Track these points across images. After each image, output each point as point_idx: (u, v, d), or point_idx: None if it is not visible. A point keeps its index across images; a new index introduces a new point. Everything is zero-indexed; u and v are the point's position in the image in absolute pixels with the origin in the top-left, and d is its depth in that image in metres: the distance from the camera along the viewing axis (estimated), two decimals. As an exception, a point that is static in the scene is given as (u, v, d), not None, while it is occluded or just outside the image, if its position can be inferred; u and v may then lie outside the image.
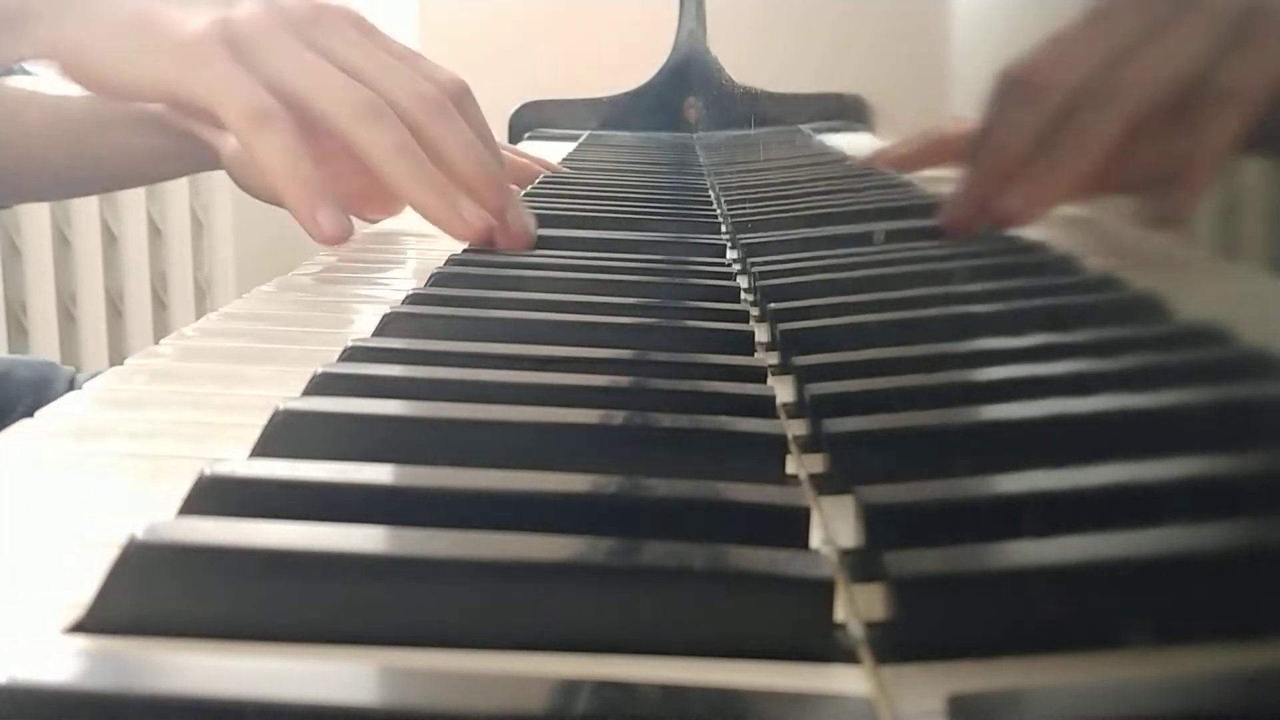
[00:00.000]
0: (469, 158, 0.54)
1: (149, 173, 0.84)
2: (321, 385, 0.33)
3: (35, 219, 1.61)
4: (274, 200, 0.72)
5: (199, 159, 0.74)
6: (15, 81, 0.75)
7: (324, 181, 0.52)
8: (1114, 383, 0.32)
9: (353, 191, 0.60)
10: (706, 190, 0.81)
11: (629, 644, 0.21)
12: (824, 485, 0.29)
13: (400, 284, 0.52)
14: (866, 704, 0.19)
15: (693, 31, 1.12)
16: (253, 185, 0.70)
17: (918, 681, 0.21)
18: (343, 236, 0.53)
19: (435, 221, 0.53)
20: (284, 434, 0.29)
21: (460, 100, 0.55)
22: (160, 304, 1.76)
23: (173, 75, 0.53)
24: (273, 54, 0.52)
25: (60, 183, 0.87)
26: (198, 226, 1.77)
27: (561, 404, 0.31)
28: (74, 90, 0.63)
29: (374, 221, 0.69)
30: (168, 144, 0.74)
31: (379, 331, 0.40)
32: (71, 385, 0.86)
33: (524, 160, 0.86)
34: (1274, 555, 0.22)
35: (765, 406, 0.32)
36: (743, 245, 0.58)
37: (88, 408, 0.35)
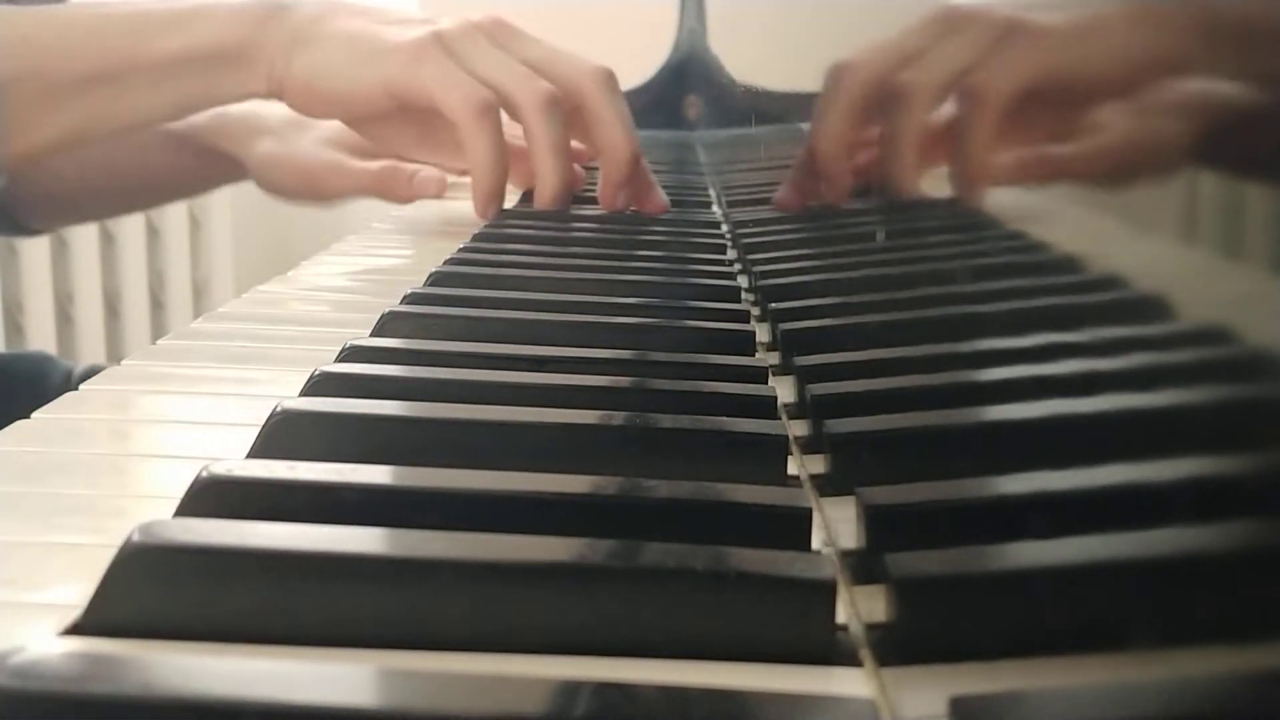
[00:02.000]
0: (619, 142, 0.64)
1: (177, 190, 0.88)
2: (320, 385, 0.33)
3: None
4: (301, 200, 0.75)
5: (222, 173, 0.79)
6: None
7: (504, 184, 0.63)
8: (1116, 383, 0.32)
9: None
10: (707, 189, 0.81)
11: (629, 646, 0.21)
12: (825, 486, 0.29)
13: (400, 284, 0.52)
14: (868, 706, 0.19)
15: (693, 30, 1.12)
16: (279, 187, 0.75)
17: (919, 683, 0.21)
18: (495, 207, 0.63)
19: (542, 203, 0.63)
20: (282, 434, 0.29)
21: (610, 85, 0.64)
22: (158, 304, 1.76)
23: (398, 75, 0.61)
24: (477, 55, 0.61)
25: (95, 205, 0.90)
26: (195, 226, 1.77)
27: (561, 404, 0.31)
28: None
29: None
30: (191, 161, 0.79)
31: (377, 331, 0.40)
32: (68, 380, 0.86)
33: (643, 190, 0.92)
34: (1275, 556, 0.22)
35: (766, 407, 0.32)
36: (743, 245, 0.58)
37: (83, 408, 0.35)
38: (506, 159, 0.62)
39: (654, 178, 0.68)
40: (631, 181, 0.65)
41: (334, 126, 0.76)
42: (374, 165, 0.75)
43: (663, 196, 0.67)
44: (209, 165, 0.80)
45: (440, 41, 0.61)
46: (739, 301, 0.46)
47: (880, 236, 0.55)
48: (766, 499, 0.26)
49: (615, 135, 0.63)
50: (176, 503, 0.25)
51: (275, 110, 0.75)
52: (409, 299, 0.44)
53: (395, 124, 0.65)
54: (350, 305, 0.50)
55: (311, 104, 0.64)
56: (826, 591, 0.22)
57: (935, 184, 0.58)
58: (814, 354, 0.37)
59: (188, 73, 0.63)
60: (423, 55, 0.60)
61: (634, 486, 0.26)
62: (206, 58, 0.62)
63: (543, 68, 0.63)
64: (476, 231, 0.60)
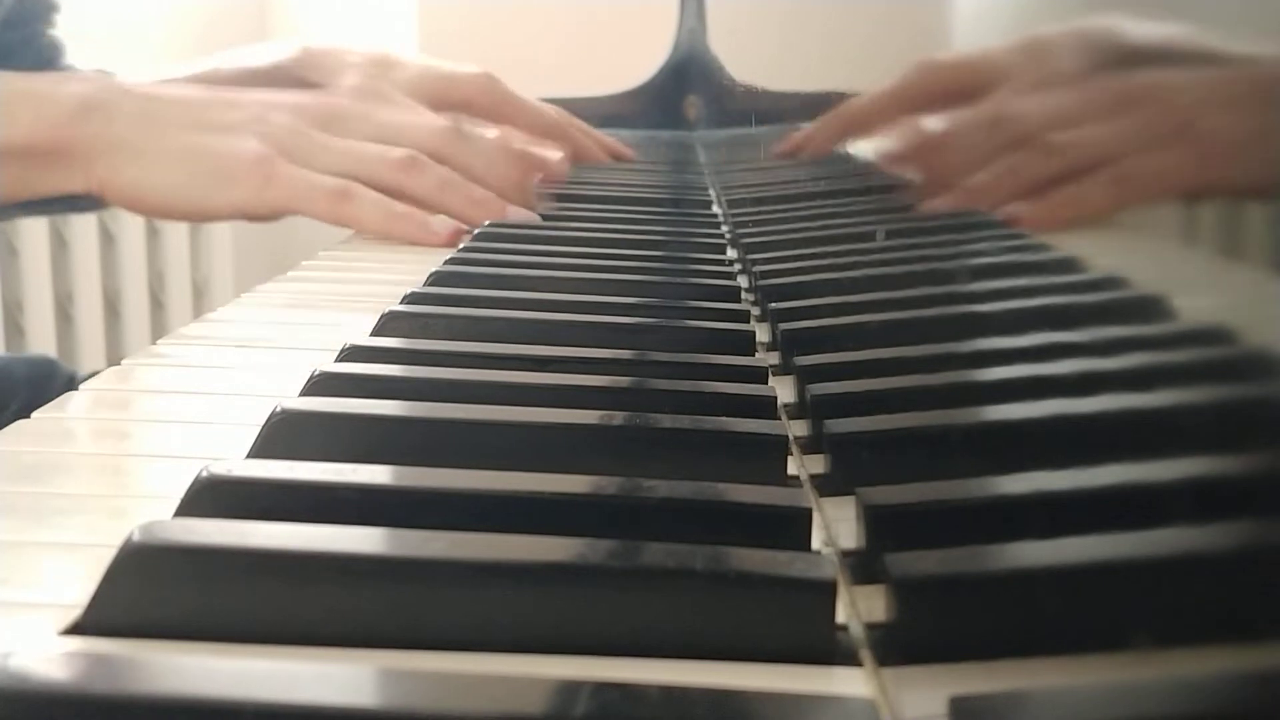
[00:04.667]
0: (493, 172, 0.66)
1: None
2: (320, 385, 0.33)
3: (33, 218, 1.60)
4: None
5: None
6: None
7: (413, 208, 0.62)
8: (1116, 383, 0.32)
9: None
10: (707, 189, 0.81)
11: (629, 646, 0.21)
12: (825, 486, 0.29)
13: (398, 284, 0.52)
14: (868, 706, 0.19)
15: (693, 30, 1.11)
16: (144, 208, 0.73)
17: (919, 683, 0.21)
18: (458, 236, 0.62)
19: (488, 218, 0.63)
20: (282, 434, 0.29)
21: (461, 131, 0.67)
22: (158, 304, 1.76)
23: (249, 198, 0.60)
24: (315, 153, 0.62)
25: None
26: (195, 227, 1.77)
27: (561, 404, 0.31)
28: None
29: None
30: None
31: (377, 331, 0.40)
32: (70, 384, 0.86)
33: (592, 139, 0.93)
34: (1275, 556, 0.22)
35: (766, 407, 0.32)
36: (743, 244, 0.58)
37: (83, 408, 0.35)
38: (395, 205, 0.61)
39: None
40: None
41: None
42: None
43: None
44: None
45: (278, 147, 0.61)
46: (739, 301, 0.46)
47: (880, 236, 0.55)
48: (766, 499, 0.26)
49: (530, 111, 0.66)
50: (176, 503, 0.25)
51: None
52: (409, 299, 0.44)
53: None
54: (350, 305, 0.50)
55: (144, 210, 0.64)
56: (826, 591, 0.22)
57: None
58: (814, 354, 0.37)
59: (2, 163, 0.61)
60: (268, 173, 0.60)
61: (634, 486, 0.26)
62: (21, 152, 0.61)
63: (386, 134, 0.64)
64: (476, 231, 0.60)
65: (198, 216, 0.65)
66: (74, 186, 0.61)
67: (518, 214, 0.65)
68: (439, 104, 0.73)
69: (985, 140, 0.53)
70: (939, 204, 0.56)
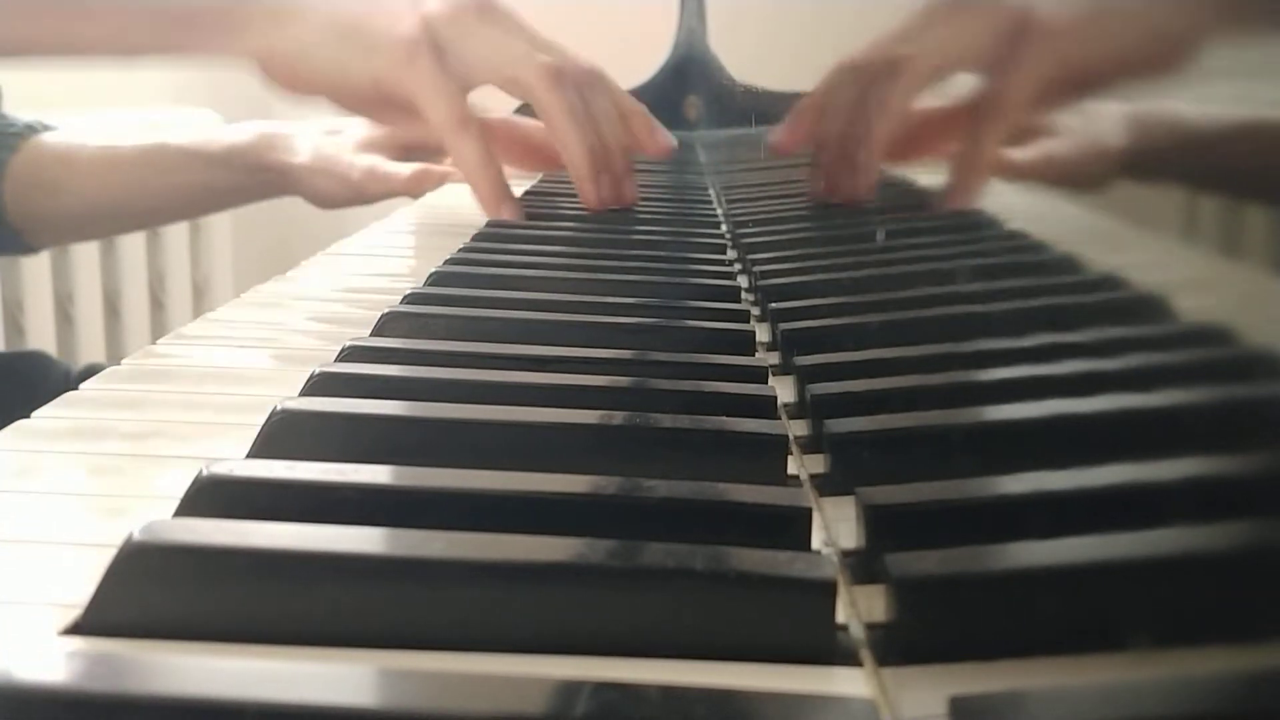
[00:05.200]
0: (612, 132, 0.65)
1: (206, 207, 0.89)
2: (319, 385, 0.33)
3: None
4: (344, 204, 0.75)
5: (267, 188, 0.81)
6: (51, 136, 0.79)
7: (505, 180, 0.63)
8: (1116, 383, 0.32)
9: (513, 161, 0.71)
10: (707, 189, 0.81)
11: (629, 646, 0.21)
12: (825, 486, 0.29)
13: (398, 284, 0.52)
14: (868, 705, 0.19)
15: (693, 30, 1.11)
16: (324, 194, 0.77)
17: (919, 683, 0.21)
18: (552, 162, 0.65)
19: (577, 178, 0.64)
20: (282, 434, 0.29)
21: (604, 77, 0.66)
22: (158, 304, 1.76)
23: (387, 73, 0.61)
24: (469, 45, 0.61)
25: (110, 223, 0.92)
26: (195, 227, 1.77)
27: (561, 404, 0.31)
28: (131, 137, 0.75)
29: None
30: (235, 179, 0.80)
31: (377, 331, 0.40)
32: (67, 379, 0.86)
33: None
34: (1275, 556, 0.22)
35: (766, 407, 0.32)
36: (743, 244, 0.58)
37: (83, 408, 0.35)
38: (495, 161, 0.62)
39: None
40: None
41: (361, 133, 0.78)
42: (407, 168, 0.76)
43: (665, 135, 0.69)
44: (251, 180, 0.81)
45: (431, 34, 0.60)
46: (739, 301, 0.46)
47: (880, 236, 0.55)
48: (766, 499, 0.26)
49: (615, 129, 0.64)
50: (176, 503, 0.25)
51: (307, 128, 0.78)
52: (409, 299, 0.44)
53: (379, 107, 0.65)
54: (350, 305, 0.50)
55: (293, 81, 0.64)
56: (827, 591, 0.22)
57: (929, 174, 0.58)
58: (814, 354, 0.37)
59: (167, 18, 0.62)
60: (413, 54, 0.60)
61: (634, 486, 0.26)
62: (187, 9, 0.62)
63: (539, 42, 0.63)
64: (476, 231, 0.60)
65: (339, 89, 0.63)
66: (237, 50, 0.62)
67: (625, 175, 0.65)
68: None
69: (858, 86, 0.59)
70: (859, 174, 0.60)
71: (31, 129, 0.78)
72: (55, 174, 0.78)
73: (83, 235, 1.15)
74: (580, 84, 0.63)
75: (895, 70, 0.57)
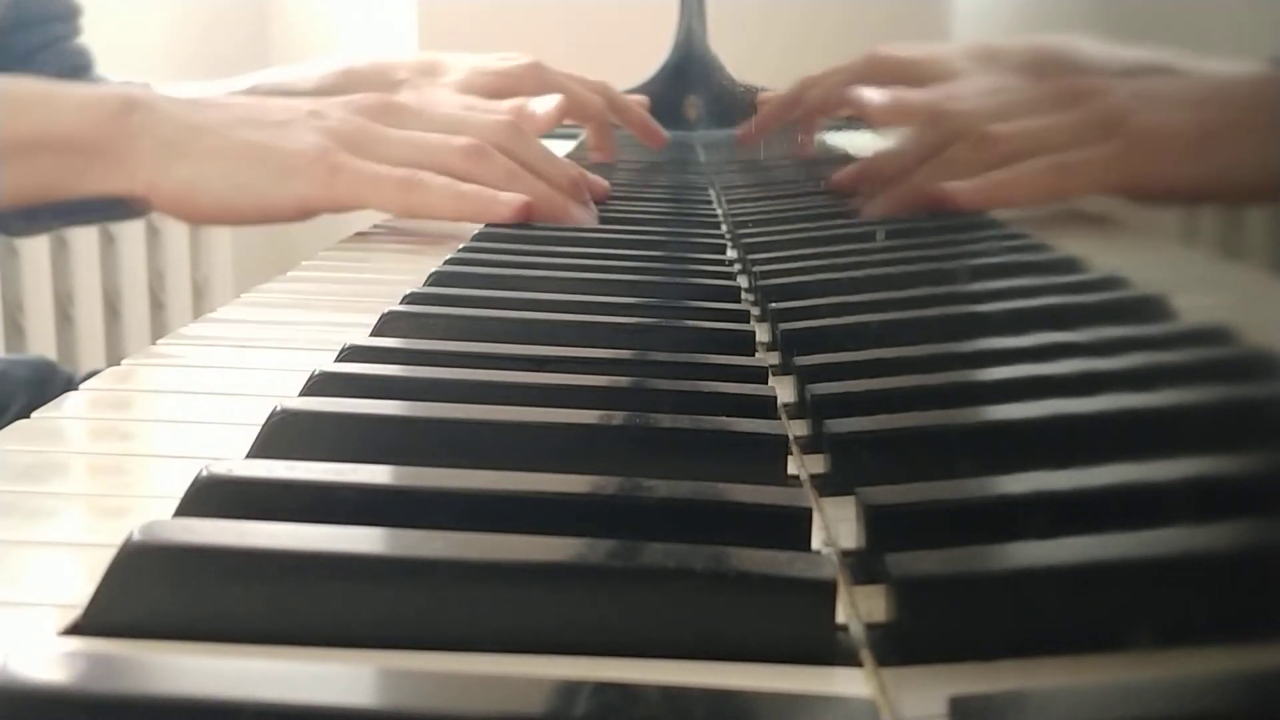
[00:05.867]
0: (554, 168, 0.65)
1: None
2: (319, 385, 0.33)
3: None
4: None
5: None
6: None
7: (480, 186, 0.60)
8: (1116, 383, 0.32)
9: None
10: (706, 189, 0.81)
11: (629, 646, 0.21)
12: (825, 486, 0.29)
13: (398, 284, 0.52)
14: (868, 706, 0.19)
15: (693, 30, 1.12)
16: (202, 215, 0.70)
17: (919, 683, 0.21)
18: (528, 210, 0.60)
19: (550, 215, 0.62)
20: (282, 434, 0.29)
21: (521, 126, 0.66)
22: (158, 304, 1.76)
23: (314, 193, 0.58)
24: (377, 144, 0.60)
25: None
26: (195, 227, 1.77)
27: (561, 404, 0.31)
28: None
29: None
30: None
31: (377, 331, 0.40)
32: (69, 386, 0.86)
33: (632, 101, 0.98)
34: (1275, 556, 0.22)
35: (766, 407, 0.32)
36: (743, 244, 0.58)
37: (83, 408, 0.35)
38: (461, 185, 0.60)
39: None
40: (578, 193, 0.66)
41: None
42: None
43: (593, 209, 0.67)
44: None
45: (339, 140, 0.59)
46: (739, 301, 0.46)
47: (880, 236, 0.55)
48: (766, 499, 0.26)
49: (552, 167, 0.64)
50: (176, 503, 0.25)
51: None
52: (409, 299, 0.44)
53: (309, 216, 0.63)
54: (350, 305, 0.50)
55: (195, 215, 0.62)
56: (827, 591, 0.22)
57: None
58: (814, 354, 0.37)
59: (40, 159, 0.58)
60: (332, 165, 0.58)
61: (634, 486, 0.26)
62: (61, 147, 0.58)
63: (448, 126, 0.63)
64: (476, 231, 0.60)
65: (257, 216, 0.60)
66: (116, 188, 0.58)
67: (579, 214, 0.63)
68: (492, 98, 0.74)
69: (924, 138, 0.55)
70: (888, 203, 0.57)
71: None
72: None
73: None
74: (503, 146, 0.62)
75: (983, 148, 0.51)
